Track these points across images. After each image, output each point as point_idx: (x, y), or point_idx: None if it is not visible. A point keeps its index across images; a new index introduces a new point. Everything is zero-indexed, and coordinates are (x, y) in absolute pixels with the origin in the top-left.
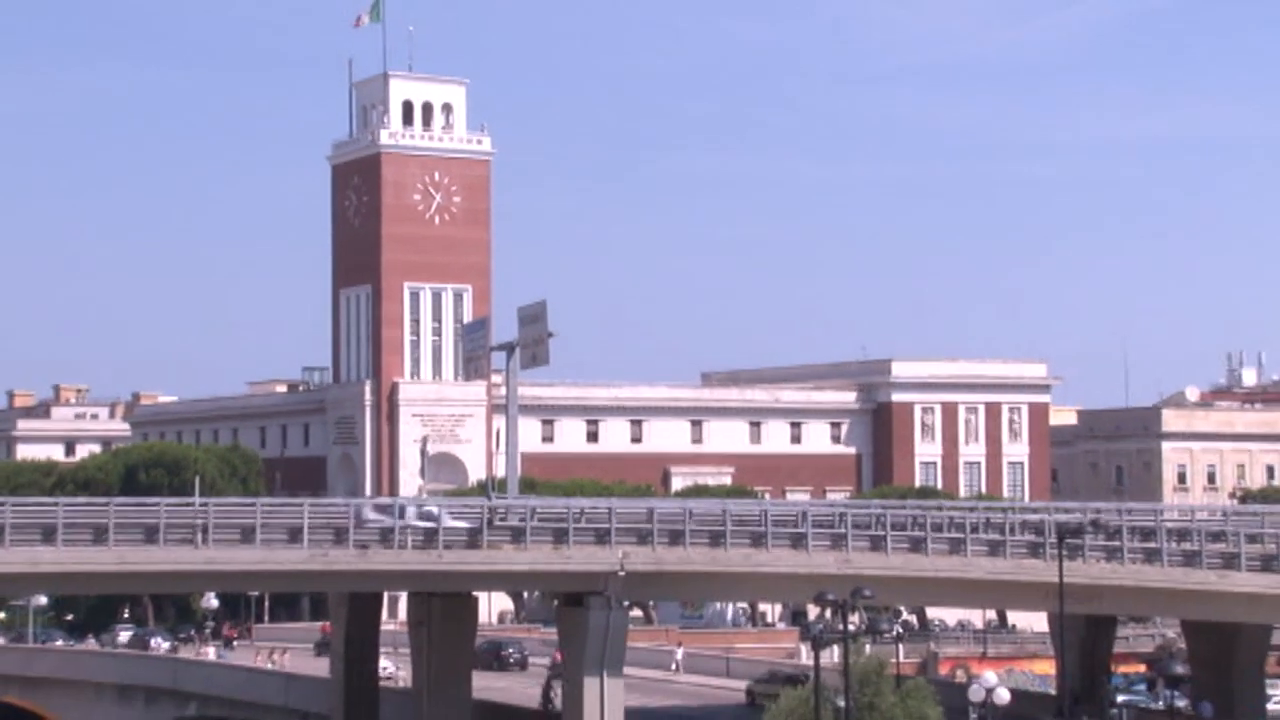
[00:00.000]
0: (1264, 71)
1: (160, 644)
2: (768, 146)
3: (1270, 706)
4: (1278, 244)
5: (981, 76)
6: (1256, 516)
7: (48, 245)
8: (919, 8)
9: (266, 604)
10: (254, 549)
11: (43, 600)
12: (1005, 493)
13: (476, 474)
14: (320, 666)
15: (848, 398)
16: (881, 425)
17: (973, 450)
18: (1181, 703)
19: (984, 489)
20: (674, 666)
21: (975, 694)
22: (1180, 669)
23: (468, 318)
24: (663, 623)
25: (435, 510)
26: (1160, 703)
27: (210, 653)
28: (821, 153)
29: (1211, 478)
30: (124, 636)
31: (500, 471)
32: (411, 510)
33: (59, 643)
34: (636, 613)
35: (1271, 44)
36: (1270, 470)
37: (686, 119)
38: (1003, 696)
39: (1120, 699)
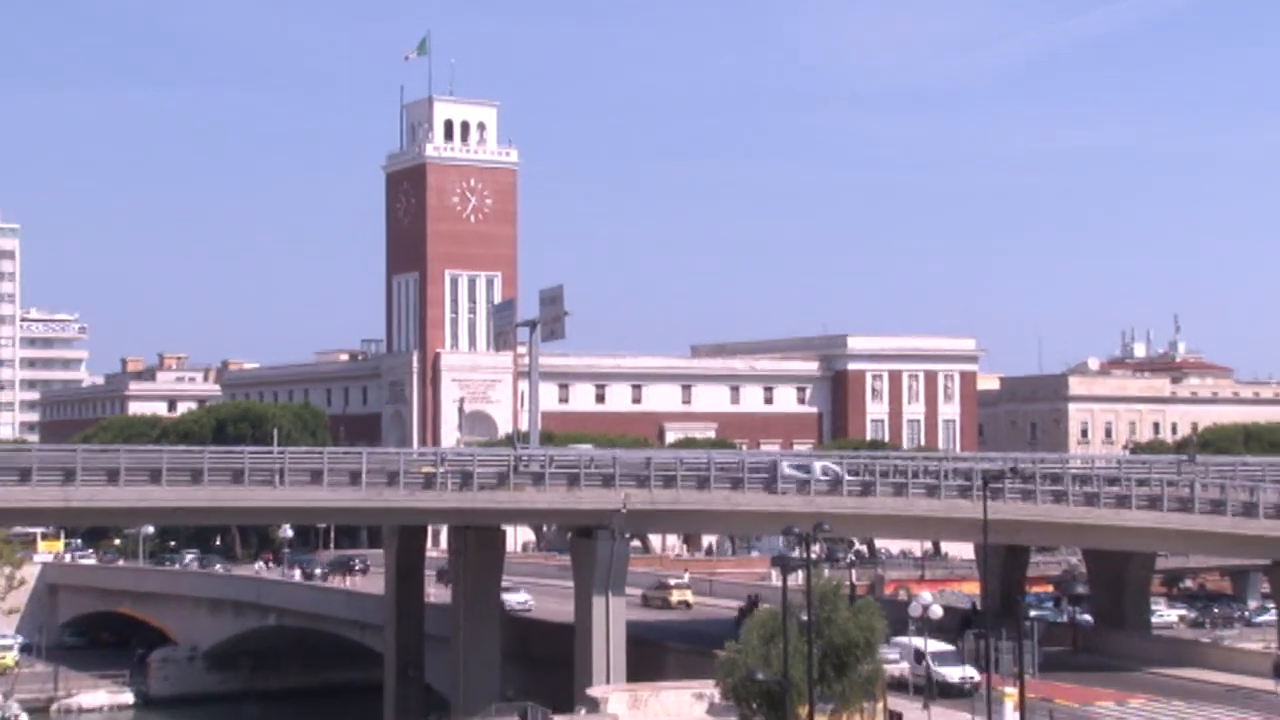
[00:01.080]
0: (1155, 99)
1: (262, 568)
2: (747, 157)
3: (1154, 620)
4: (1164, 241)
5: (920, 100)
6: (1145, 465)
7: (154, 240)
8: (867, 42)
9: (332, 534)
10: (321, 489)
11: (150, 529)
12: (940, 445)
13: (505, 428)
14: (372, 585)
15: (811, 366)
16: (839, 389)
17: (914, 410)
18: (1082, 617)
19: (923, 442)
20: (677, 580)
21: (914, 610)
22: (1081, 589)
23: (497, 299)
24: (720, 553)
25: (836, 467)
26: (1064, 616)
27: (297, 575)
28: (791, 161)
29: (1109, 433)
30: (188, 559)
31: (524, 426)
32: (818, 466)
33: (216, 567)
34: (636, 543)
35: (1160, 78)
36: (1156, 426)
37: (680, 134)
38: (936, 612)
39: (1032, 614)
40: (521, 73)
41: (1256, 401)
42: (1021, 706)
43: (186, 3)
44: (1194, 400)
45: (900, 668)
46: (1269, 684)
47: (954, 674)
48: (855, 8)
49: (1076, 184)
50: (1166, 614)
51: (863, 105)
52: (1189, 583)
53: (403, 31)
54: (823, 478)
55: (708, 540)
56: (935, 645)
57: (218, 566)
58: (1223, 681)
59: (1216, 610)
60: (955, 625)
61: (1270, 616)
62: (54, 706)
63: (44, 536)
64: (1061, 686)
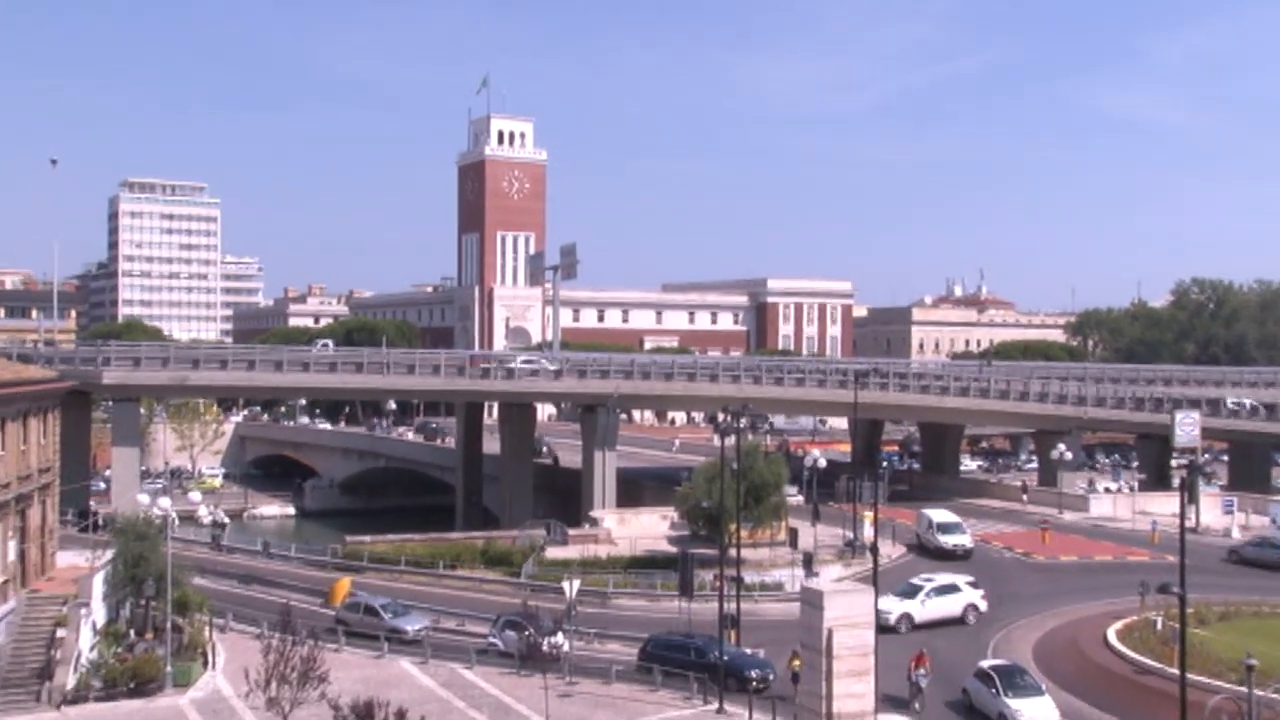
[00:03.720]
0: (969, 125)
1: (405, 431)
2: (704, 157)
3: (961, 468)
4: (975, 218)
5: (819, 121)
6: (960, 366)
7: (307, 208)
8: (786, 82)
9: (421, 407)
10: (414, 377)
11: (303, 401)
12: (827, 353)
13: (536, 339)
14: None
15: (742, 299)
16: (760, 315)
17: (810, 330)
18: (916, 465)
19: (816, 351)
20: (673, 449)
21: (808, 461)
22: (916, 448)
23: (532, 251)
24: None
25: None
26: (904, 466)
27: (409, 435)
28: (733, 160)
29: (937, 346)
30: (300, 420)
31: (549, 337)
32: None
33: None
34: (623, 417)
35: (973, 111)
36: (967, 342)
37: (656, 141)
38: (821, 463)
39: (884, 464)
40: (550, 98)
41: (1031, 326)
42: (875, 523)
43: (326, 55)
44: (991, 325)
45: (798, 499)
46: (1019, 506)
47: (949, 541)
48: (779, 58)
49: (921, 181)
50: (969, 464)
51: (783, 124)
52: (984, 444)
53: (470, 71)
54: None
55: (672, 414)
56: (945, 517)
57: (405, 433)
58: (999, 505)
59: (1000, 461)
60: (844, 472)
61: (1034, 465)
62: (244, 514)
63: (219, 404)
64: (901, 510)
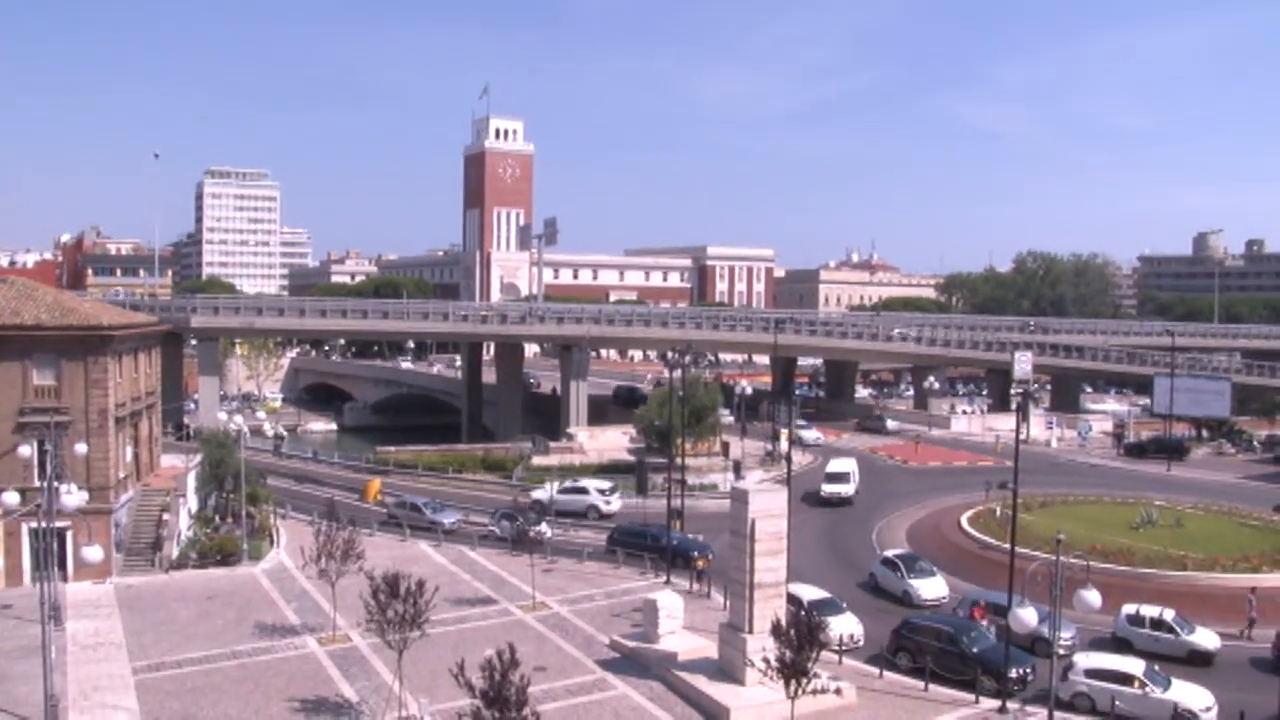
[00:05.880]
0: (869, 128)
1: (432, 366)
2: (660, 149)
3: (856, 395)
4: (872, 200)
5: (755, 122)
6: (856, 316)
7: (344, 191)
8: (729, 89)
9: (434, 346)
10: (428, 321)
11: (341, 341)
12: (753, 306)
13: (524, 293)
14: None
15: (687, 262)
16: (702, 275)
17: (740, 288)
18: (821, 393)
19: (745, 304)
20: (644, 383)
21: (738, 390)
22: (822, 380)
23: (521, 223)
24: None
25: None
26: (812, 394)
27: (436, 369)
28: (684, 152)
29: (839, 300)
30: (335, 357)
31: (535, 291)
32: None
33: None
34: (594, 354)
35: (873, 115)
36: (862, 298)
37: (618, 136)
38: (748, 391)
39: (797, 392)
40: (538, 100)
41: (910, 285)
42: (789, 438)
43: (361, 68)
44: (880, 284)
45: (730, 419)
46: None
47: (826, 489)
48: (717, 72)
49: (828, 171)
50: (862, 392)
51: (721, 123)
52: (874, 376)
53: (474, 80)
54: None
55: (631, 352)
56: (837, 467)
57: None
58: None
59: (885, 390)
60: (765, 399)
61: (910, 393)
62: (298, 429)
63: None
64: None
